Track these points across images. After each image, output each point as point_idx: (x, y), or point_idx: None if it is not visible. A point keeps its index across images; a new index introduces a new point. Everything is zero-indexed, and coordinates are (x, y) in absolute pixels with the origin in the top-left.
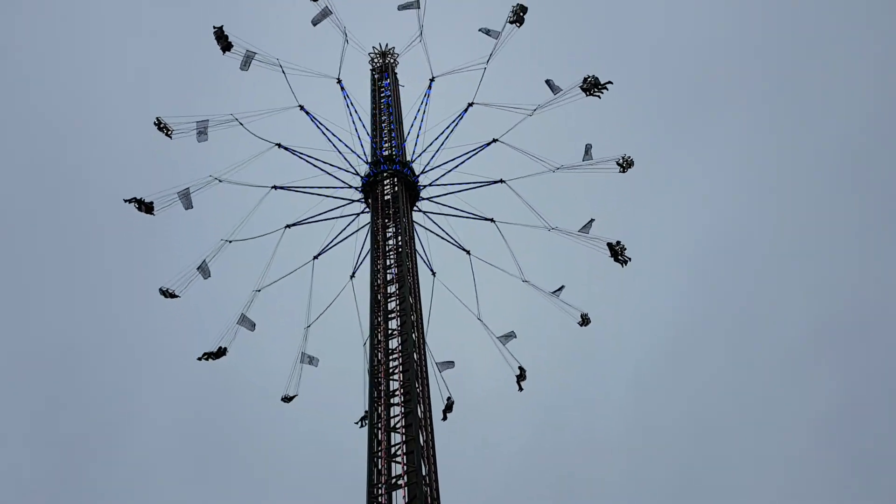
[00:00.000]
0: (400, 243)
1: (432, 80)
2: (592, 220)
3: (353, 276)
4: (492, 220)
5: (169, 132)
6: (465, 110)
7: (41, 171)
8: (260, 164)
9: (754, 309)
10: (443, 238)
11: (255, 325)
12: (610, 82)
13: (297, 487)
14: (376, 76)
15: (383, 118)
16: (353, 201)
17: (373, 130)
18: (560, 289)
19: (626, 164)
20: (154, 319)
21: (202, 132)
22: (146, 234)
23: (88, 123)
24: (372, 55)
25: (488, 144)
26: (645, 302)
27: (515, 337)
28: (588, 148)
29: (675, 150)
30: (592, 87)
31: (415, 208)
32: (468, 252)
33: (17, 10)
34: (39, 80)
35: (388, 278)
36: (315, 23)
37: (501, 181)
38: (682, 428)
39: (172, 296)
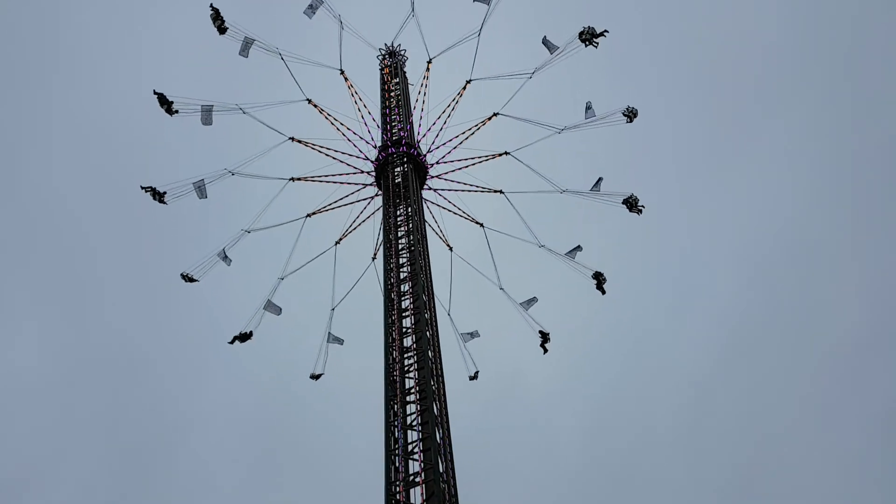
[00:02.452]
0: (412, 240)
1: (429, 61)
2: (601, 179)
3: (374, 257)
4: (500, 191)
5: (170, 107)
6: (464, 87)
7: (97, 172)
8: (269, 157)
9: (812, 307)
10: (455, 213)
11: (281, 310)
12: (605, 31)
13: (325, 486)
14: (386, 76)
15: (394, 114)
16: (367, 185)
17: (383, 125)
18: (576, 249)
19: (631, 115)
20: (203, 320)
21: (207, 115)
22: (175, 234)
23: (98, 121)
24: (381, 54)
25: (489, 119)
26: (702, 301)
27: (537, 301)
28: (588, 105)
29: (734, 147)
30: (591, 36)
31: (425, 187)
32: (482, 225)
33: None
34: (59, 82)
35: (402, 276)
36: (312, 11)
37: (506, 153)
38: (738, 428)
39: (192, 280)
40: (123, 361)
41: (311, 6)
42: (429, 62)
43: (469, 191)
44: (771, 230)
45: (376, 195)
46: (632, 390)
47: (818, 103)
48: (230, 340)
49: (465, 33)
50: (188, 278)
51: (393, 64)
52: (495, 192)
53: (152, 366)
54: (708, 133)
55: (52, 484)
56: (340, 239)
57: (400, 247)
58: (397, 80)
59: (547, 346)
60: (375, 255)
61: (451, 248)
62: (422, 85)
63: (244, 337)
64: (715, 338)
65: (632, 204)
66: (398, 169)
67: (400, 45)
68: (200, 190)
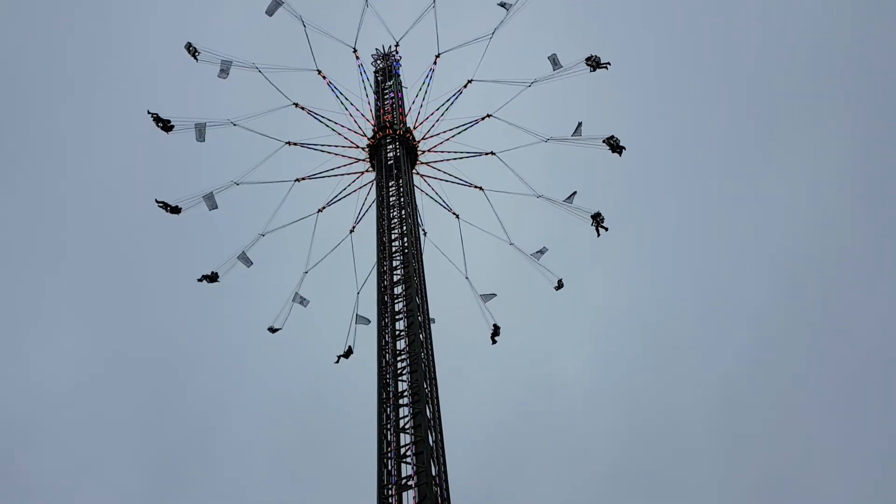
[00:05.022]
0: (406, 242)
1: (438, 56)
2: (575, 193)
3: (352, 230)
4: (480, 188)
5: (196, 54)
6: (465, 86)
7: (135, 171)
8: (269, 119)
9: (841, 312)
10: (436, 201)
11: (251, 262)
12: (608, 63)
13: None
14: (379, 78)
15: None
16: (359, 160)
17: (377, 120)
18: (541, 250)
19: (614, 144)
20: (239, 326)
21: (224, 70)
22: (212, 238)
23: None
24: (374, 57)
25: (482, 119)
26: (732, 307)
27: (496, 296)
28: (579, 125)
29: (765, 151)
30: (596, 64)
31: (413, 171)
32: (457, 216)
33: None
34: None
35: (395, 279)
36: None
37: (492, 153)
38: (768, 432)
39: (169, 208)
40: (161, 366)
41: None
42: (437, 56)
43: (453, 182)
44: (801, 235)
45: (367, 171)
46: (662, 395)
47: (851, 109)
48: (198, 278)
49: (476, 32)
50: (167, 206)
51: (386, 67)
52: (476, 187)
53: (189, 370)
54: (739, 137)
55: (92, 487)
56: (324, 207)
57: (394, 249)
58: (391, 82)
59: (496, 338)
60: (353, 228)
61: (425, 233)
62: (427, 77)
63: (211, 278)
64: (744, 343)
65: (598, 222)
66: (390, 147)
67: (390, 45)
68: (200, 132)
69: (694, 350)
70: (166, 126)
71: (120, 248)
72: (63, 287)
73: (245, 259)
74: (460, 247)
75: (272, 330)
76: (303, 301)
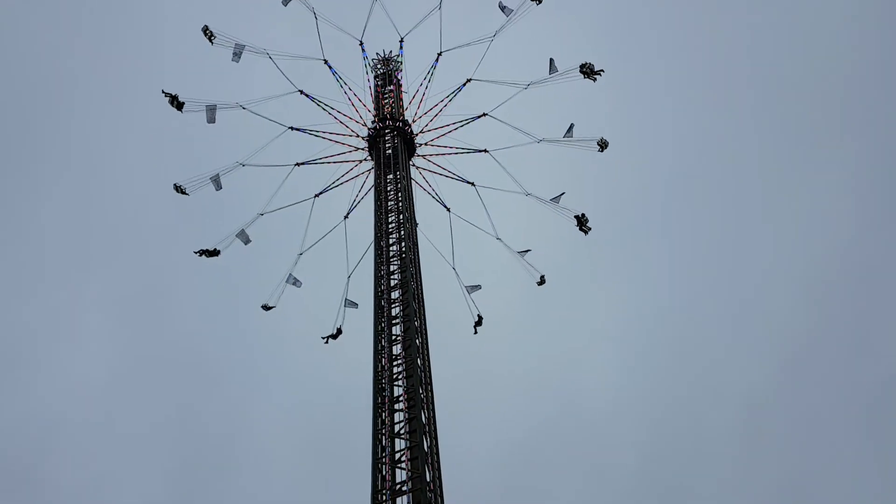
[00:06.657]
0: (403, 247)
1: (440, 54)
2: (563, 193)
3: (346, 216)
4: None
5: (212, 38)
6: (464, 85)
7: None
8: (276, 108)
9: (868, 328)
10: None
11: (250, 240)
12: (602, 70)
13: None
14: (379, 83)
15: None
16: (359, 149)
17: (376, 116)
18: (526, 251)
19: (603, 145)
20: (267, 334)
21: (237, 54)
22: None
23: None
24: (375, 62)
25: (478, 117)
26: (758, 322)
27: (481, 288)
28: (570, 127)
29: (792, 164)
30: (590, 72)
31: (412, 164)
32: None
33: None
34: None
35: (392, 283)
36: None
37: (485, 151)
38: (792, 442)
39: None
40: (184, 374)
41: None
42: (439, 54)
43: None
44: (828, 249)
45: (365, 159)
46: (685, 407)
47: (881, 122)
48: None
49: (478, 33)
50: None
51: (387, 72)
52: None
53: (211, 378)
54: (766, 150)
55: (113, 495)
56: (321, 192)
57: (391, 253)
58: (391, 87)
59: (478, 328)
60: (348, 215)
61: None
62: (429, 73)
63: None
64: (769, 356)
65: (582, 223)
66: (388, 137)
67: (390, 50)
68: (211, 113)
69: (718, 361)
70: (179, 106)
71: (147, 257)
72: (88, 294)
73: (244, 236)
74: (459, 241)
75: (265, 308)
76: (296, 282)
